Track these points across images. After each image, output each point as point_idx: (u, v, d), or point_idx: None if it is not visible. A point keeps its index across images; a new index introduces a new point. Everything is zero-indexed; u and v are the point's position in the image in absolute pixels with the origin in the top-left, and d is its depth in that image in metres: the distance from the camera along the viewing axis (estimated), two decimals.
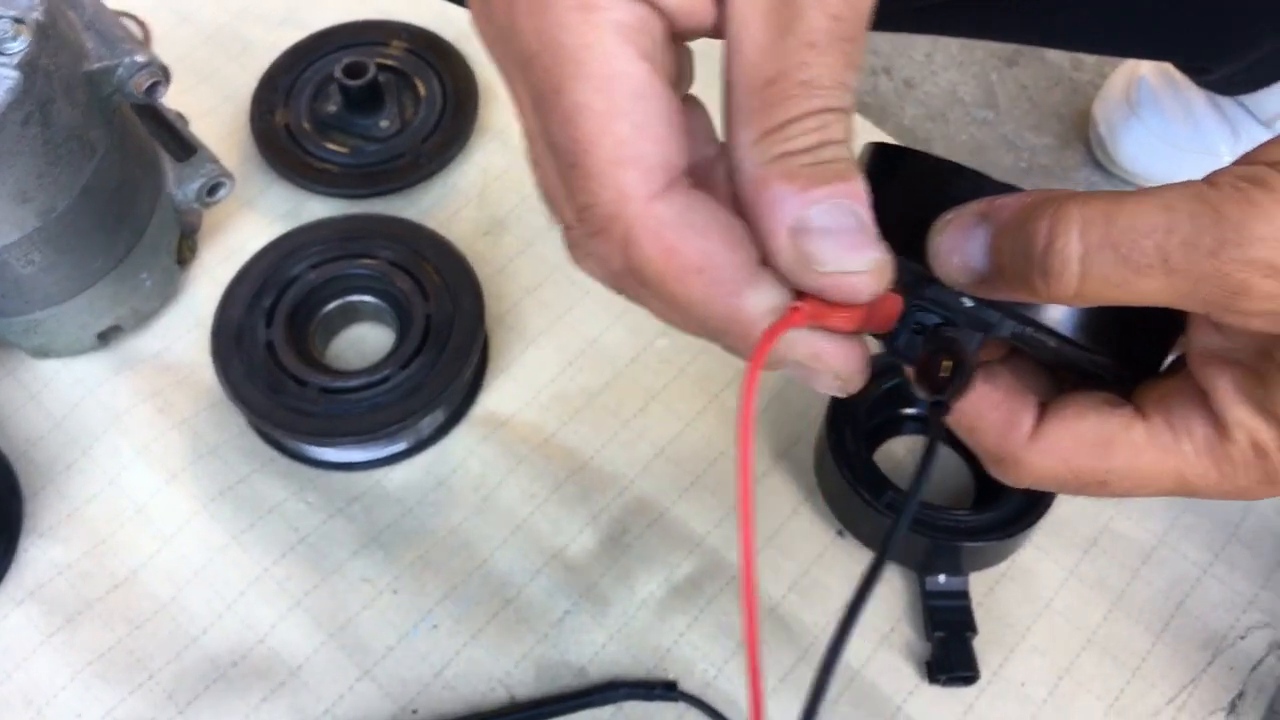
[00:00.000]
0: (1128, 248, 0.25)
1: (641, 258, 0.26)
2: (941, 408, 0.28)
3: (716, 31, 0.27)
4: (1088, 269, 0.26)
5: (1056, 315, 0.29)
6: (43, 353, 0.65)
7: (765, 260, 0.27)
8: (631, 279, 0.27)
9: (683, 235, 0.26)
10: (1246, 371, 0.28)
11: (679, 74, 0.30)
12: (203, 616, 0.57)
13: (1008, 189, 0.29)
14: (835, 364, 0.28)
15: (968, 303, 0.30)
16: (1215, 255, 0.25)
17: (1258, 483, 0.29)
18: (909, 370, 0.31)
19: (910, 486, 0.27)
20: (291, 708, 0.55)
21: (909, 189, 0.30)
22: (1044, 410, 0.32)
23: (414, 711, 0.55)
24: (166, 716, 0.54)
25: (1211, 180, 0.26)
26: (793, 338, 0.28)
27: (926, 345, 0.30)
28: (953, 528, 0.57)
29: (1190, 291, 0.25)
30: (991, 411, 0.32)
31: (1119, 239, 0.25)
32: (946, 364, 0.28)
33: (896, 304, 0.30)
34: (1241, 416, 0.29)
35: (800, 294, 0.27)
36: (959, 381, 0.28)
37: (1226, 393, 0.29)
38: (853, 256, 0.26)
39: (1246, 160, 0.26)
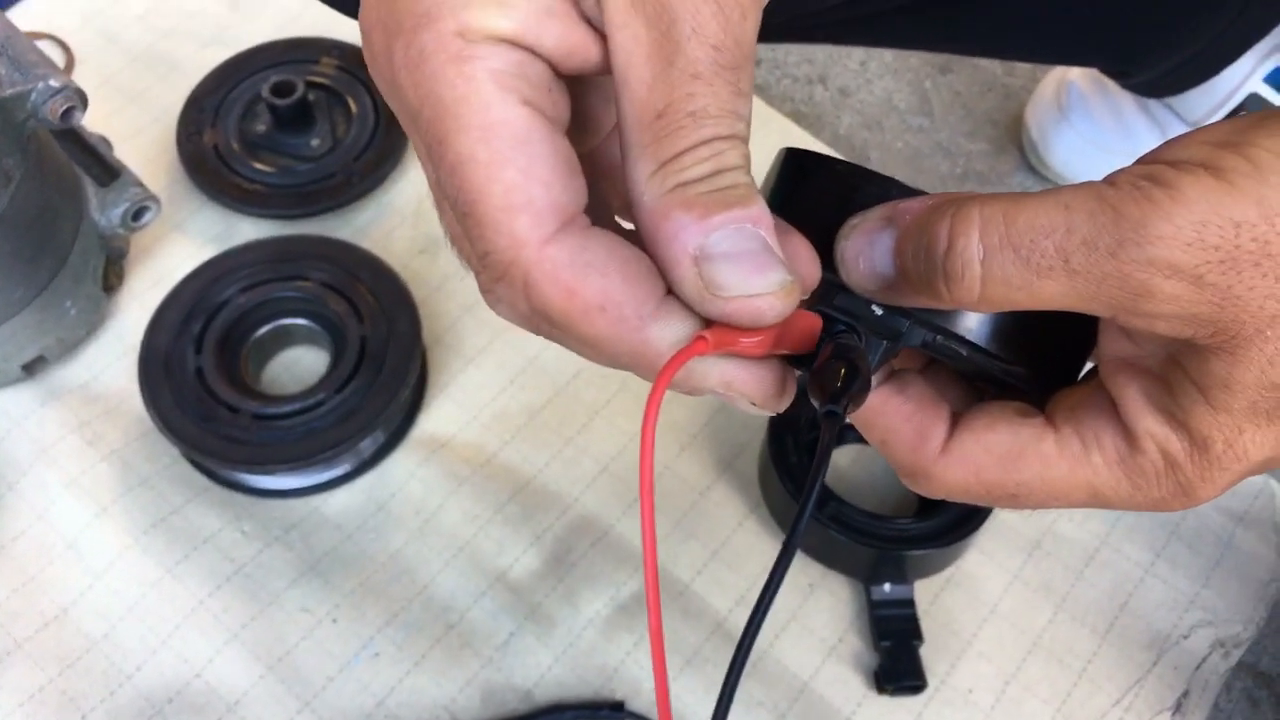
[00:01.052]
0: (1028, 249, 0.25)
1: (543, 300, 0.26)
2: (834, 417, 0.27)
3: (605, 68, 0.27)
4: (989, 271, 0.26)
5: (967, 323, 0.29)
6: None
7: (670, 291, 0.27)
8: (540, 320, 0.27)
9: (580, 275, 0.26)
10: (1155, 380, 0.28)
11: (588, 112, 0.30)
12: (137, 653, 0.56)
13: (915, 194, 0.28)
14: (747, 390, 0.28)
15: (877, 311, 0.29)
16: (1115, 255, 0.24)
17: (1171, 494, 0.28)
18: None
19: (805, 490, 0.27)
20: None
21: (819, 195, 0.30)
22: (957, 421, 0.32)
23: None
24: None
25: (1111, 180, 0.25)
26: (704, 367, 0.27)
27: (825, 352, 0.29)
28: (896, 536, 0.57)
29: (1093, 294, 0.25)
30: (903, 424, 0.31)
31: (1019, 240, 0.25)
32: (842, 372, 0.28)
33: (814, 323, 0.29)
34: (1151, 426, 0.28)
35: (710, 323, 0.27)
36: (852, 389, 0.27)
37: (1135, 402, 0.28)
38: (756, 279, 0.25)
39: (1146, 160, 0.26)
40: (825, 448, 0.27)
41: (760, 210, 0.26)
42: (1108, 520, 0.62)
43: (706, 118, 0.25)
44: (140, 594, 0.58)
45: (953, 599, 0.60)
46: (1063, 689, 0.57)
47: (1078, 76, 0.79)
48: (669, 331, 0.26)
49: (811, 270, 0.28)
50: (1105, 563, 0.61)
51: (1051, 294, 0.25)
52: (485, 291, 0.28)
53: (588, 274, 0.26)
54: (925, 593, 0.59)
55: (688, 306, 0.27)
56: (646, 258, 0.27)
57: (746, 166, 0.26)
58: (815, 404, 0.27)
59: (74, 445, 0.62)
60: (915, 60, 0.88)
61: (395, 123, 0.75)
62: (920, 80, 0.87)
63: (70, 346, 0.65)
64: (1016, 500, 0.31)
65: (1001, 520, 0.62)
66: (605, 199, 0.32)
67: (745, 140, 0.26)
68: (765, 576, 0.62)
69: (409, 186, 0.74)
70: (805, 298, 0.29)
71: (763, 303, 0.26)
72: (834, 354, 0.28)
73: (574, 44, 0.26)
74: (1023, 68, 0.88)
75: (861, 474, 0.63)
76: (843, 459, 0.64)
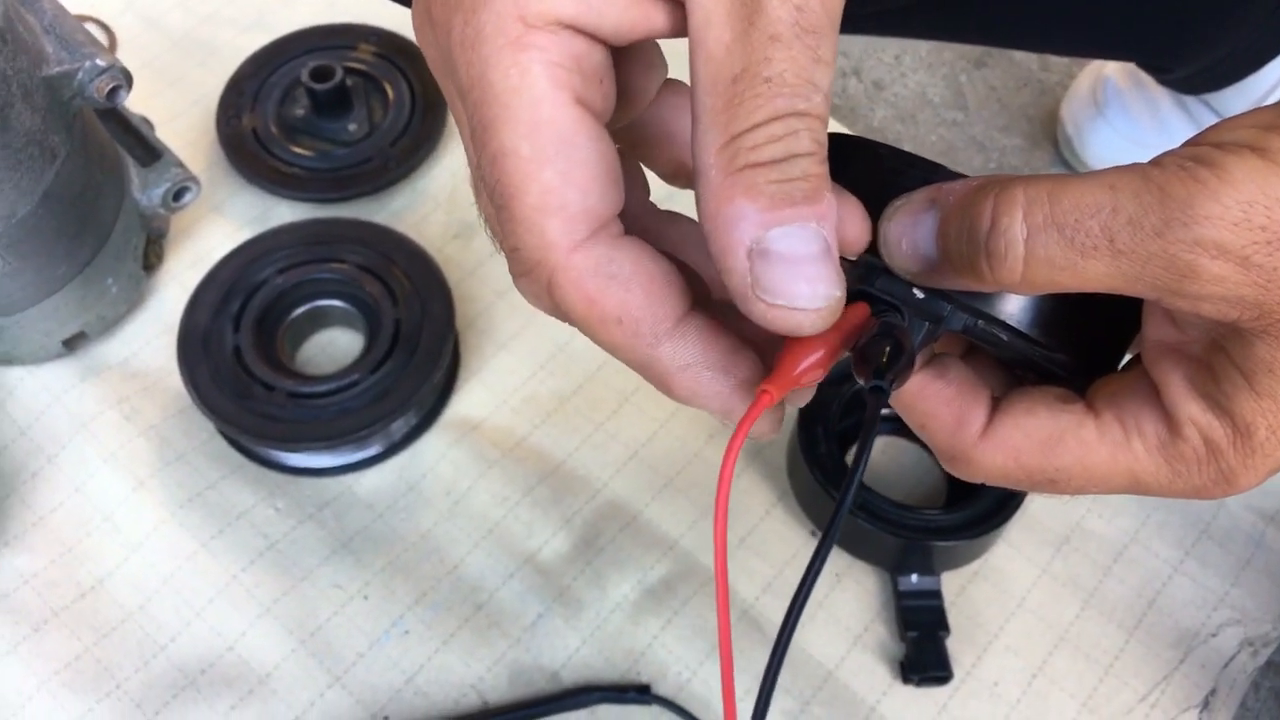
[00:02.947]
0: (1072, 228, 0.25)
1: (565, 303, 0.26)
2: (880, 393, 0.28)
3: (673, 32, 0.27)
4: (1032, 250, 0.25)
5: (1009, 308, 0.29)
6: (7, 360, 0.64)
7: (690, 312, 0.27)
8: (562, 317, 0.28)
9: (602, 286, 0.26)
10: (1199, 366, 0.28)
11: (631, 82, 0.30)
12: (171, 624, 0.57)
13: (959, 178, 0.28)
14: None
15: (919, 294, 0.29)
16: (1161, 235, 0.24)
17: (1212, 481, 0.28)
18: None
19: (851, 468, 0.27)
20: (261, 715, 0.54)
21: (864, 180, 0.30)
22: (997, 406, 0.32)
23: (385, 718, 0.54)
24: None
25: (1157, 161, 0.25)
26: (710, 398, 0.28)
27: (869, 330, 0.29)
28: (924, 527, 0.57)
29: (1138, 274, 0.25)
30: (943, 408, 0.31)
31: (1063, 219, 0.25)
32: (887, 349, 0.28)
33: (863, 316, 0.29)
34: (1193, 413, 0.28)
35: (772, 343, 0.28)
36: (897, 366, 0.28)
37: (1178, 388, 0.28)
38: (804, 289, 0.25)
39: (1193, 142, 0.26)
40: (871, 422, 0.27)
41: (827, 206, 0.25)
42: (1137, 517, 0.62)
43: (783, 85, 0.25)
44: (175, 567, 0.58)
45: (980, 591, 0.60)
46: (1089, 684, 0.57)
47: (1114, 72, 0.78)
48: (680, 353, 0.27)
49: (860, 234, 0.28)
50: (1134, 559, 0.61)
51: (1096, 274, 0.25)
52: (513, 277, 0.28)
53: (609, 285, 0.26)
54: (952, 585, 0.59)
55: (702, 330, 0.27)
56: (674, 272, 0.27)
57: (820, 152, 0.25)
58: (860, 380, 0.28)
59: (113, 420, 0.63)
60: (950, 54, 0.88)
61: (431, 110, 0.76)
62: (955, 74, 0.87)
63: (111, 323, 0.66)
64: (1055, 485, 0.31)
65: (1030, 514, 0.62)
66: (639, 182, 0.32)
67: (822, 117, 0.25)
68: (792, 563, 0.63)
69: (443, 173, 0.74)
70: (852, 258, 0.29)
71: (804, 318, 0.26)
72: (879, 331, 0.28)
73: (635, 18, 0.26)
74: (1058, 63, 0.87)
75: (890, 465, 0.64)
76: (872, 450, 0.64)
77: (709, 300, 0.30)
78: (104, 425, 0.63)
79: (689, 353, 0.27)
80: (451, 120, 0.75)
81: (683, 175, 0.32)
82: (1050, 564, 0.61)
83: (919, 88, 0.86)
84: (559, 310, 0.27)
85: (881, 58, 0.88)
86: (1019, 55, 0.87)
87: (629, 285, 0.26)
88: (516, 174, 0.25)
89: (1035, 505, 0.62)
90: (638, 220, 0.31)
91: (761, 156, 0.25)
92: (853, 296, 0.30)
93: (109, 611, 0.57)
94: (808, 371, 0.27)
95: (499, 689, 0.56)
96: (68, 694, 0.55)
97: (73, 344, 0.65)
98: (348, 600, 0.58)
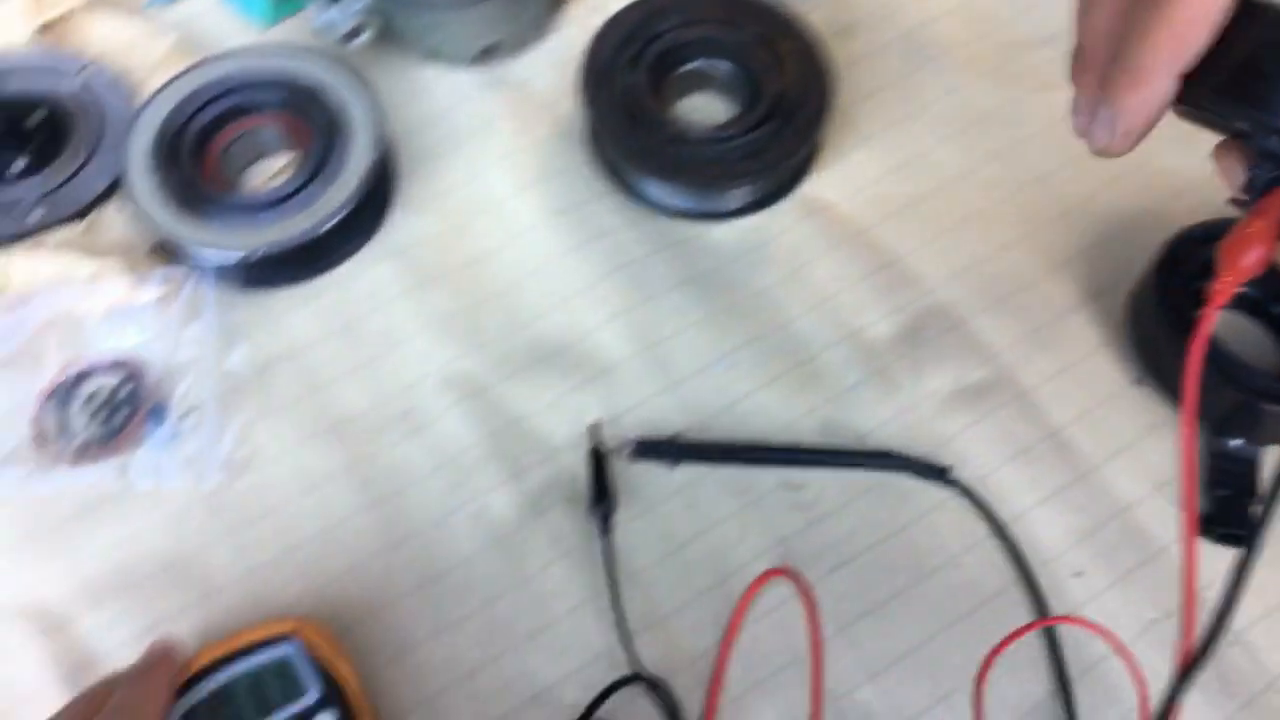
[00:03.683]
0: None
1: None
2: None
3: None
4: None
5: None
6: (433, 54, 0.72)
7: None
8: None
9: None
10: None
11: None
12: (536, 307, 0.64)
13: None
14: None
15: None
16: None
17: None
18: None
19: None
20: (602, 397, 0.60)
21: (1259, 42, 0.33)
22: None
23: (706, 430, 0.60)
24: (496, 377, 0.61)
25: None
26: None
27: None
28: (1259, 389, 0.56)
29: None
30: None
31: None
32: None
33: None
34: None
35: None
36: None
37: None
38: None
39: None
40: None
41: None
42: None
43: None
44: (544, 262, 0.65)
45: None
46: None
47: None
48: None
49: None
50: None
51: None
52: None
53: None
54: (1272, 460, 0.58)
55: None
56: None
57: None
58: None
59: (507, 130, 0.70)
60: None
61: None
62: None
63: (519, 45, 0.72)
64: None
65: None
66: None
67: None
68: (1108, 403, 0.62)
69: None
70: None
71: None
72: None
73: None
74: None
75: (1233, 342, 0.62)
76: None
77: None
78: (498, 132, 0.70)
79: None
80: None
81: None
82: None
83: None
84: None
85: None
86: None
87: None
88: None
89: None
90: None
91: None
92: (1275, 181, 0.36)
93: (486, 284, 0.65)
94: (1252, 267, 0.38)
95: (810, 433, 0.60)
96: (445, 338, 0.63)
97: (486, 54, 0.71)
98: (686, 326, 0.63)
